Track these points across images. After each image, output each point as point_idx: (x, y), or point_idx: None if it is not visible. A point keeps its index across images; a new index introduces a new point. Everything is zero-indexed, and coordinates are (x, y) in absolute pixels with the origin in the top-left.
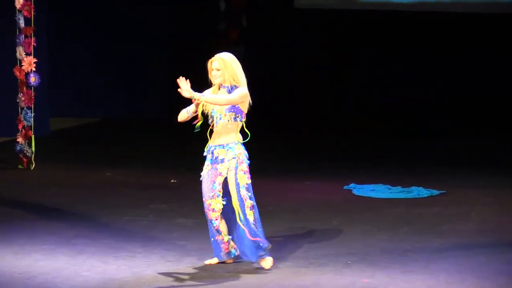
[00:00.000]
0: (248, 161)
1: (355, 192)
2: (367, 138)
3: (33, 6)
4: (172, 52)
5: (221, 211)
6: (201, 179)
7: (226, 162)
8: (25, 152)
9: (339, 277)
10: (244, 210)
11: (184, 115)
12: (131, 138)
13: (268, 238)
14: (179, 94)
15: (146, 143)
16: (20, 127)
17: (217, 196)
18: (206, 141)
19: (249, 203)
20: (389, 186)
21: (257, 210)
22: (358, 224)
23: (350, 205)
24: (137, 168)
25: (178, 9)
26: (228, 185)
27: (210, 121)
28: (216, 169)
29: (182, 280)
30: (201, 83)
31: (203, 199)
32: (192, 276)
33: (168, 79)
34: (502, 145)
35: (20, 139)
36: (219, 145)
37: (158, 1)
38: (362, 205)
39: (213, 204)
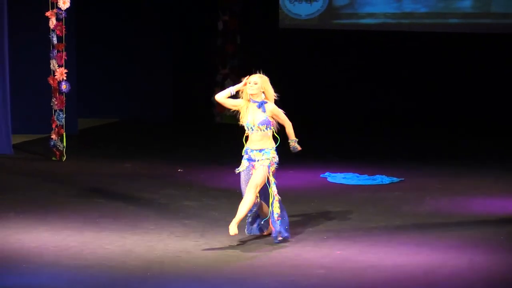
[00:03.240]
0: (277, 165)
1: (329, 179)
2: (342, 136)
3: (64, 26)
4: (179, 67)
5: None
6: (237, 172)
7: (261, 161)
8: (57, 146)
9: (317, 249)
10: (273, 202)
11: (227, 93)
12: (144, 135)
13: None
14: (181, 99)
15: (157, 140)
16: (53, 126)
17: None
18: (207, 140)
19: (277, 197)
20: (358, 174)
21: (282, 204)
22: (332, 205)
23: (325, 190)
24: (150, 160)
25: (184, 28)
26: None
27: (245, 129)
28: (254, 166)
29: (187, 252)
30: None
31: (242, 187)
32: (196, 248)
33: (173, 87)
34: (450, 143)
35: (53, 136)
36: (256, 149)
37: (168, 23)
38: (335, 190)
39: None
